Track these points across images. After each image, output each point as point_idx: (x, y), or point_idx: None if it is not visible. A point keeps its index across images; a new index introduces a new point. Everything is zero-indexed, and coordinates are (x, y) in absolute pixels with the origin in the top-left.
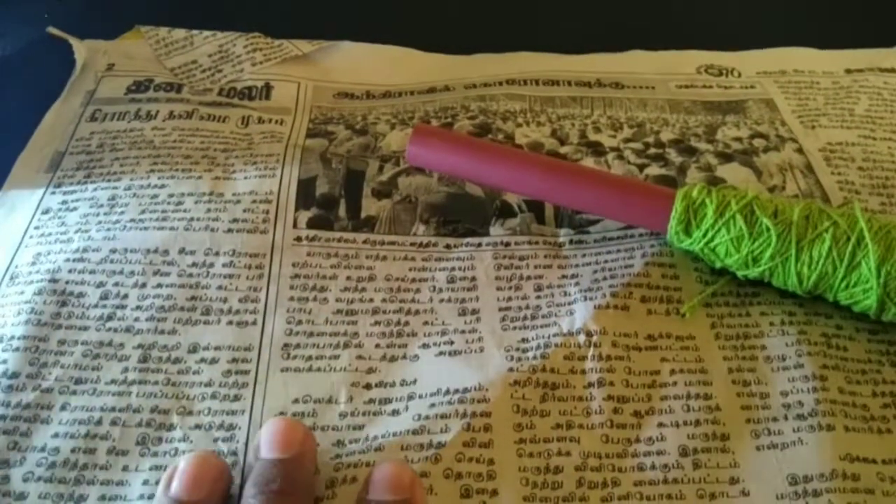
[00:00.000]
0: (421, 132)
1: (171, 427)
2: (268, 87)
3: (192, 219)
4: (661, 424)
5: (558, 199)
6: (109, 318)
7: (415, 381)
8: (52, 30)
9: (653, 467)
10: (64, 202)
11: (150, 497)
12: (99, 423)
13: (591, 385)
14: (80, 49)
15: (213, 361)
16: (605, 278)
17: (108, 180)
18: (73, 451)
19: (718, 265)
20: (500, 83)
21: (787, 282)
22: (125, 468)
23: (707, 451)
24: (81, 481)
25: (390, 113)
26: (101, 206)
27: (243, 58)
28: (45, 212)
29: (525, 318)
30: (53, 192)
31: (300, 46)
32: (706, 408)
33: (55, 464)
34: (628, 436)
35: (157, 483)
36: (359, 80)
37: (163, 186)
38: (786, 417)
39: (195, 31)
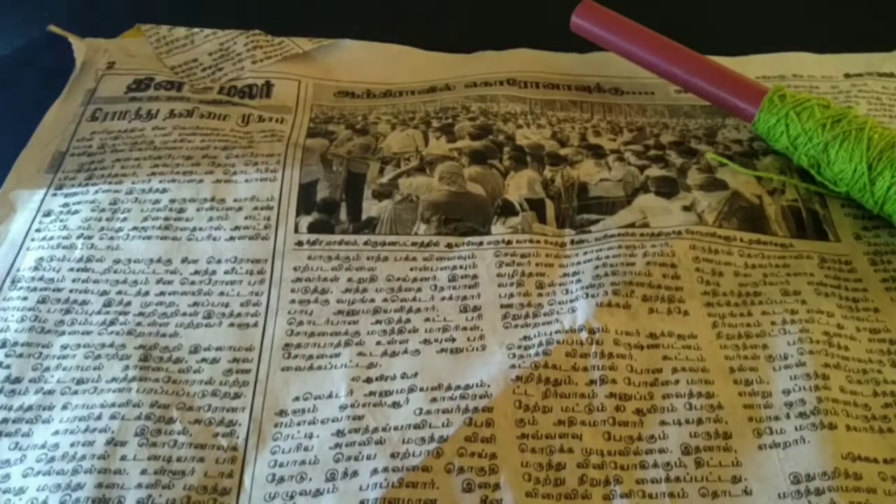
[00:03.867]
0: (587, 8)
1: (170, 420)
2: (268, 86)
3: (194, 228)
4: (663, 423)
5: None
6: (112, 322)
7: (416, 375)
8: (53, 28)
9: (655, 465)
10: (65, 205)
11: (148, 486)
12: (98, 418)
13: (593, 382)
14: (81, 47)
15: (214, 361)
16: (606, 275)
17: (110, 183)
18: (71, 444)
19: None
20: (501, 82)
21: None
22: (123, 458)
23: (709, 449)
24: (79, 471)
25: (391, 113)
26: (103, 210)
27: (244, 56)
28: (47, 214)
29: (527, 315)
30: (55, 194)
31: (301, 44)
32: (708, 406)
33: (54, 458)
34: (630, 433)
35: (155, 473)
36: (359, 79)
37: (164, 191)
38: (788, 416)
39: (196, 30)
